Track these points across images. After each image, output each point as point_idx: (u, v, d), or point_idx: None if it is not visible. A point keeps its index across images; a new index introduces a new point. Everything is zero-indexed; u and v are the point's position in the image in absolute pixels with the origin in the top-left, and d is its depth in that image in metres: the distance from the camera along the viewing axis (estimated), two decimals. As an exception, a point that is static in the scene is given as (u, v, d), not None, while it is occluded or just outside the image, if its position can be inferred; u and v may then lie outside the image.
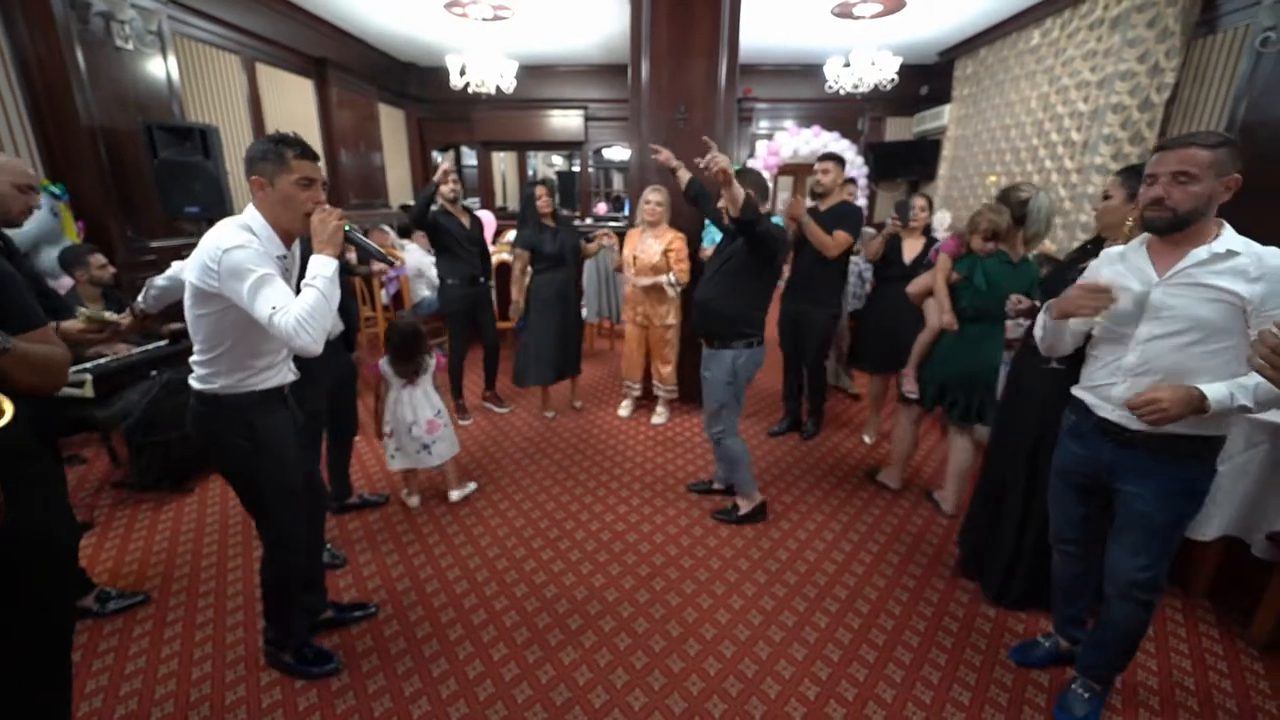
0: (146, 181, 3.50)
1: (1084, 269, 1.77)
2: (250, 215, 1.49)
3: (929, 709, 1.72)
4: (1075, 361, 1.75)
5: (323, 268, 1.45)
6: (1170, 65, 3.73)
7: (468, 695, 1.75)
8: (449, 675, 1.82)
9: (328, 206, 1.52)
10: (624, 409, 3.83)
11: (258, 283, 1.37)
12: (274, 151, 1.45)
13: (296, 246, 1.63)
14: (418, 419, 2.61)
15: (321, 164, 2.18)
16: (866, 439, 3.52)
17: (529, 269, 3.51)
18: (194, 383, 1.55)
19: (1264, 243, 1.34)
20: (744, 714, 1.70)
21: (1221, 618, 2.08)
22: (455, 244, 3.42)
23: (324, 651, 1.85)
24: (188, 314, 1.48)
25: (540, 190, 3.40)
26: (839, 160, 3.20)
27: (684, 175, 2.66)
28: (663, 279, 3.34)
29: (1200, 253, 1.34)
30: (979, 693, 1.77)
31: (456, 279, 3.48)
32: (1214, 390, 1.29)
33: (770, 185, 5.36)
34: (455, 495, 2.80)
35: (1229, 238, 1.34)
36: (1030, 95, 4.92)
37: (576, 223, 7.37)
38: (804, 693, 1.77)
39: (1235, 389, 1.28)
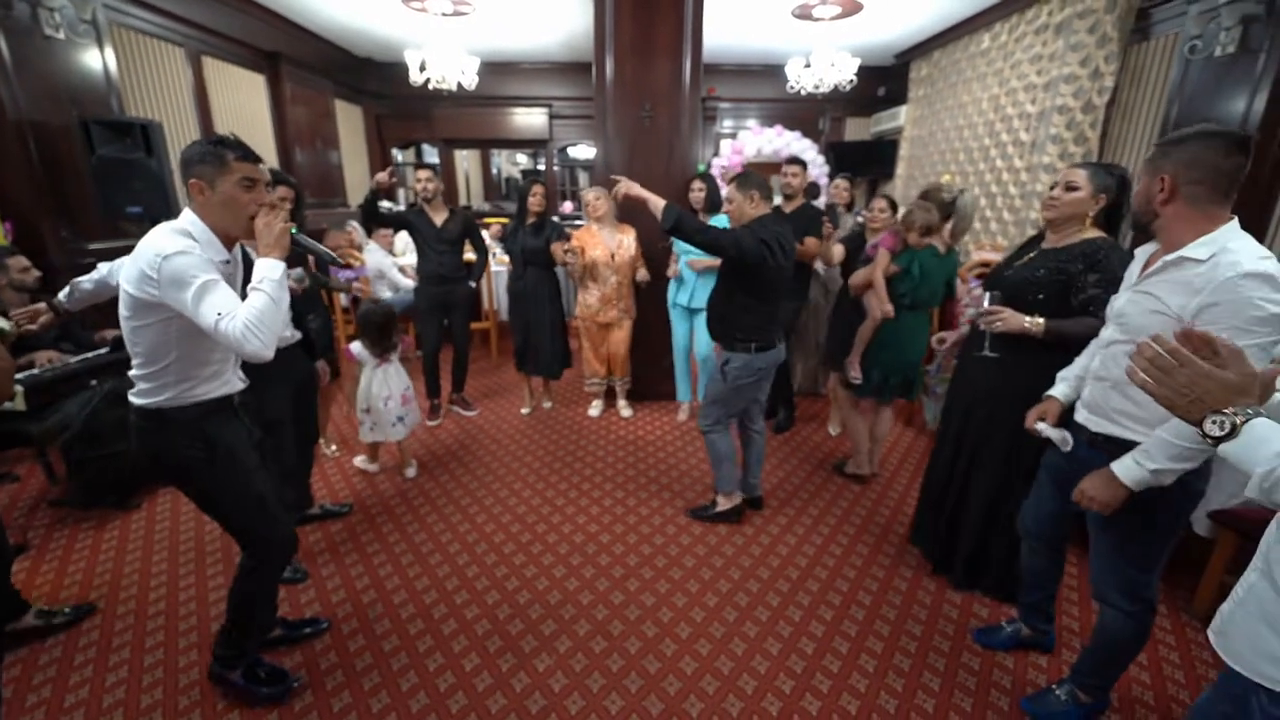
0: (83, 180, 3.29)
1: (1024, 261, 1.86)
2: (189, 220, 1.42)
3: (901, 696, 1.75)
4: (1006, 349, 1.82)
5: (270, 271, 1.40)
6: (1109, 70, 3.90)
7: (439, 709, 1.70)
8: (419, 689, 1.76)
9: (273, 208, 1.47)
10: (594, 409, 3.81)
11: (201, 289, 1.31)
12: (213, 154, 1.39)
13: (239, 250, 1.57)
14: (392, 394, 2.88)
15: (274, 164, 2.11)
16: (832, 430, 3.59)
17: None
18: (136, 399, 1.47)
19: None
20: (721, 712, 1.70)
21: (1168, 594, 2.18)
22: (424, 243, 3.40)
23: (278, 670, 1.75)
24: (125, 325, 1.41)
25: (536, 189, 3.40)
26: (804, 164, 3.35)
27: (656, 203, 2.28)
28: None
29: (1167, 259, 1.27)
30: (948, 677, 1.82)
31: (425, 278, 3.46)
32: (1119, 467, 1.29)
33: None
34: (411, 471, 3.06)
35: (1199, 244, 1.21)
36: (981, 97, 5.09)
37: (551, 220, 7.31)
38: (780, 687, 1.78)
39: (1138, 456, 1.26)
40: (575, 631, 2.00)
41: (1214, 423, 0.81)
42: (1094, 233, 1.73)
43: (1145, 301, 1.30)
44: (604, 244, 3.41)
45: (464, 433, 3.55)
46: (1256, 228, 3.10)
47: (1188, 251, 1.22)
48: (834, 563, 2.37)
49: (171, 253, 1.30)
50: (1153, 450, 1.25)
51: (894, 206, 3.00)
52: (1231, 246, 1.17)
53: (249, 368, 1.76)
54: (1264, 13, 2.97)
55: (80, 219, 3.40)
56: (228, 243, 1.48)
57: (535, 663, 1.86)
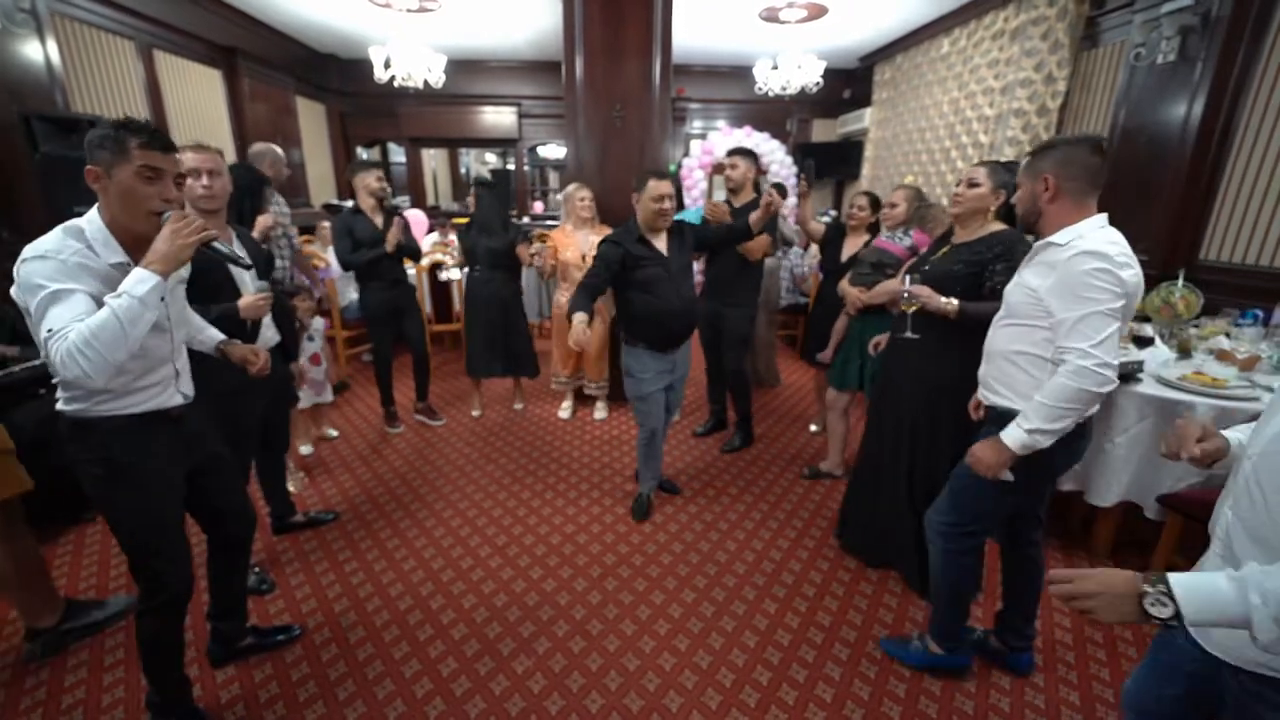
0: (25, 178, 3.13)
1: (939, 257, 1.94)
2: (89, 216, 1.28)
3: (873, 683, 1.80)
4: (925, 331, 1.92)
5: (133, 284, 1.20)
6: (1062, 75, 4.08)
7: (417, 715, 1.67)
8: (395, 696, 1.73)
9: (189, 215, 1.30)
10: (564, 410, 3.79)
11: (48, 300, 1.17)
12: (112, 138, 1.23)
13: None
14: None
15: (232, 161, 2.02)
16: (814, 428, 3.60)
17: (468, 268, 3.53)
18: (58, 405, 1.36)
19: (1136, 235, 1.44)
20: (701, 706, 1.72)
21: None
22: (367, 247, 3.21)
23: None
24: None
25: (479, 192, 3.39)
26: (748, 154, 3.08)
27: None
28: None
29: (1038, 245, 1.45)
30: (913, 683, 1.87)
31: (372, 282, 3.29)
32: (1005, 432, 1.42)
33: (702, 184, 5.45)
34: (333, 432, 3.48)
35: (1064, 231, 1.38)
36: (942, 100, 5.25)
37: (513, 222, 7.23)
38: (757, 679, 1.81)
39: (1019, 419, 1.39)
40: (554, 632, 1.99)
41: (1154, 604, 0.78)
42: (998, 226, 1.86)
43: (1019, 281, 1.48)
44: (577, 245, 3.41)
45: (435, 436, 3.50)
46: (1195, 226, 3.27)
47: (1054, 238, 1.39)
48: (807, 554, 2.41)
49: (31, 255, 1.19)
50: (1029, 413, 1.39)
51: (875, 204, 2.95)
52: (1086, 234, 1.34)
53: (231, 374, 1.70)
54: (1200, 24, 3.14)
55: (22, 219, 3.23)
56: (134, 243, 1.29)
57: (514, 665, 1.85)
